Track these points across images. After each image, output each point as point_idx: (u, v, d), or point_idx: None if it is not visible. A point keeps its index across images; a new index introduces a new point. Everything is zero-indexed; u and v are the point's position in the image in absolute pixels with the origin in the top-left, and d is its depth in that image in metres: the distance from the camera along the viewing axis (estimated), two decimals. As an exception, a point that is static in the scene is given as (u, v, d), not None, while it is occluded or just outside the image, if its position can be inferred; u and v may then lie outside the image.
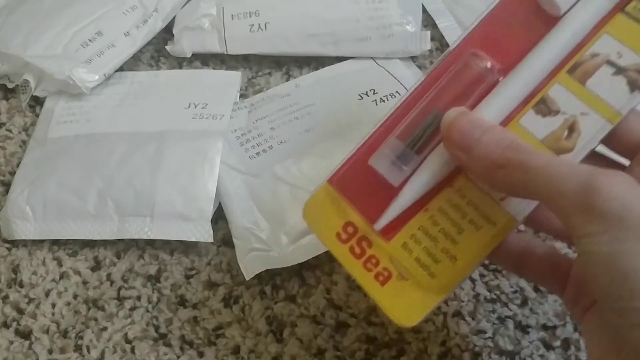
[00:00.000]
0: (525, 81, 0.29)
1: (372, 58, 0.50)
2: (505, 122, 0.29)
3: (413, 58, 0.51)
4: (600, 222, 0.22)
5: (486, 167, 0.26)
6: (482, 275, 0.40)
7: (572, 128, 0.28)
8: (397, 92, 0.47)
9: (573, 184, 0.23)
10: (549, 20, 0.29)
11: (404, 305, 0.29)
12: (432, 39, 0.51)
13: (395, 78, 0.48)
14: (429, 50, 0.50)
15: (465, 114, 0.28)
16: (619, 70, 0.28)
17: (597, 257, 0.23)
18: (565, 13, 0.29)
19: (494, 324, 0.38)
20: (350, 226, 0.31)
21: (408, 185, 0.29)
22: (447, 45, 0.51)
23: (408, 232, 0.30)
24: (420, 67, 0.50)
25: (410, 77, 0.49)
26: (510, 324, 0.38)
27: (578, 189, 0.23)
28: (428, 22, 0.53)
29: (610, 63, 0.28)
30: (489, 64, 0.29)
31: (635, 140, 0.28)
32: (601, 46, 0.28)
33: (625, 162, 0.29)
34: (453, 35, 0.52)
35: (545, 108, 0.28)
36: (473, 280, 0.39)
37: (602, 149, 0.30)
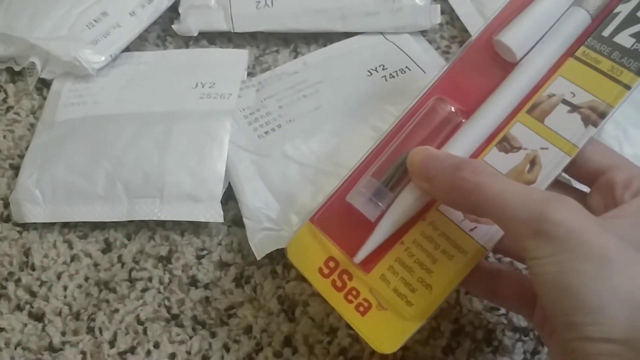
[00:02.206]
0: (487, 121, 0.31)
1: (381, 33, 0.49)
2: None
3: (423, 32, 0.50)
4: (548, 246, 0.24)
5: (445, 192, 0.28)
6: (494, 252, 0.39)
7: (533, 162, 0.30)
8: (407, 67, 0.46)
9: (526, 211, 0.25)
10: (507, 66, 0.32)
11: (384, 334, 0.31)
12: (442, 12, 0.50)
13: (405, 53, 0.47)
14: (439, 24, 0.50)
15: (427, 149, 0.30)
16: (574, 108, 0.30)
17: (546, 277, 0.24)
18: (521, 59, 0.32)
19: (507, 300, 0.38)
20: (331, 261, 0.33)
21: (384, 220, 0.31)
22: (457, 19, 0.50)
23: (386, 264, 0.32)
24: (430, 42, 0.49)
25: (421, 52, 0.48)
26: (524, 300, 0.38)
27: (529, 215, 0.25)
28: (438, -6, 0.52)
29: (565, 102, 0.30)
30: (452, 108, 0.32)
31: (593, 169, 0.30)
32: (556, 87, 0.31)
33: (586, 189, 0.32)
34: (462, 8, 0.51)
35: (507, 145, 0.31)
36: (486, 257, 0.39)
37: (565, 178, 0.32)
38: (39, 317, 0.40)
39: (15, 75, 0.50)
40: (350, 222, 0.33)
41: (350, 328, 0.33)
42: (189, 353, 0.38)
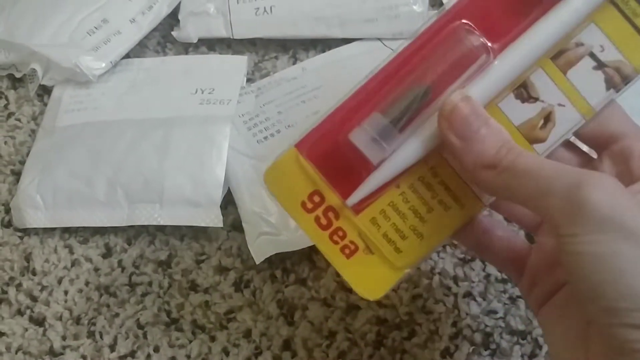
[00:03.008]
0: (515, 66, 0.28)
1: (379, 39, 0.50)
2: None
3: (420, 38, 0.50)
4: (588, 223, 0.23)
5: (477, 163, 0.26)
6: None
7: (548, 118, 0.28)
8: (404, 73, 0.46)
9: (561, 184, 0.23)
10: (543, 2, 0.28)
11: (369, 279, 0.30)
12: (439, 19, 0.50)
13: (402, 59, 0.48)
14: (436, 30, 0.50)
15: (469, 100, 0.27)
16: (599, 65, 0.28)
17: (584, 258, 0.23)
18: None
19: (505, 304, 0.38)
20: (316, 195, 0.30)
21: (386, 164, 0.29)
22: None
23: (378, 207, 0.29)
24: (427, 48, 0.49)
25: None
26: (522, 303, 0.38)
27: (566, 189, 0.23)
28: (435, 1, 0.52)
29: (592, 56, 0.28)
30: (481, 41, 0.28)
31: (607, 134, 0.28)
32: (587, 36, 0.28)
33: (592, 154, 0.30)
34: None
35: (525, 93, 0.28)
36: (483, 261, 0.39)
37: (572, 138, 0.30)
38: (39, 321, 0.40)
39: (16, 81, 0.51)
40: (344, 158, 0.29)
41: (342, 285, 0.32)
42: (188, 357, 0.38)
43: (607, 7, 0.28)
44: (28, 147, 0.47)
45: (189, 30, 0.50)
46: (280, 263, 0.40)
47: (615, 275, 0.22)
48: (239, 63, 0.49)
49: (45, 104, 0.49)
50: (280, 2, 0.49)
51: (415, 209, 0.29)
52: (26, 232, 0.43)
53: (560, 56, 0.28)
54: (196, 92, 0.46)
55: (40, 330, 0.39)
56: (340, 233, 0.30)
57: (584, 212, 0.23)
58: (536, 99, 0.28)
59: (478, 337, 0.37)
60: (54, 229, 0.43)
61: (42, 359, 0.38)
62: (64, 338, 0.39)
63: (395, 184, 0.29)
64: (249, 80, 0.49)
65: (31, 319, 0.40)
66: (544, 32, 0.28)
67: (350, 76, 0.46)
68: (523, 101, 0.28)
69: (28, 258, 0.42)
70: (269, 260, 0.40)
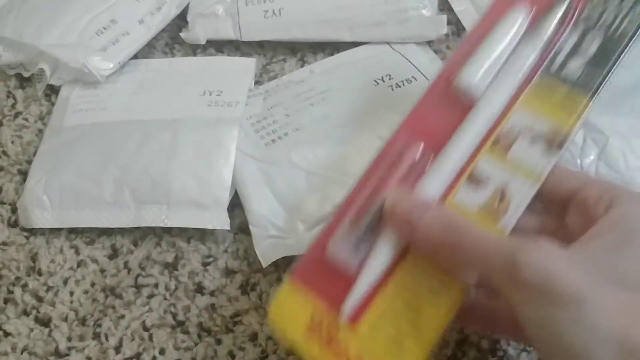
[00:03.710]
0: (454, 160, 0.31)
1: (387, 43, 0.50)
2: (441, 201, 0.31)
3: (429, 42, 0.50)
4: (526, 292, 0.25)
5: (427, 246, 0.29)
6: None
7: (502, 194, 0.30)
8: (413, 77, 0.46)
9: (499, 259, 0.25)
10: (467, 104, 0.32)
11: None
12: (448, 23, 0.50)
13: (411, 63, 0.48)
14: (445, 34, 0.50)
15: (404, 194, 0.30)
16: (534, 138, 0.31)
17: (529, 323, 0.25)
18: (481, 96, 0.32)
19: (512, 310, 0.38)
20: (317, 316, 0.31)
21: (365, 269, 0.30)
22: (464, 29, 0.51)
23: (373, 314, 0.30)
24: (436, 52, 0.49)
25: (427, 62, 0.48)
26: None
27: (504, 263, 0.25)
28: (444, 5, 0.52)
29: (525, 133, 0.31)
30: (420, 148, 0.32)
31: (565, 193, 0.30)
32: (515, 120, 0.32)
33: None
34: (469, 18, 0.51)
35: (475, 180, 0.31)
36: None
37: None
38: (45, 322, 0.40)
39: (24, 81, 0.51)
40: (332, 275, 0.31)
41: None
42: (194, 360, 0.38)
43: (526, 93, 0.32)
44: (35, 146, 0.47)
45: (198, 31, 0.50)
46: (287, 266, 0.40)
47: (556, 336, 0.24)
48: (247, 65, 0.49)
49: (53, 104, 0.49)
50: (289, 5, 0.49)
51: (408, 304, 0.30)
52: (32, 232, 0.43)
53: (497, 142, 0.31)
54: (204, 93, 0.46)
55: (46, 330, 0.39)
56: (342, 345, 0.30)
57: (521, 282, 0.24)
58: (487, 182, 0.31)
59: (485, 344, 0.37)
60: (60, 230, 0.43)
61: (47, 359, 0.38)
62: (69, 339, 0.39)
63: (383, 286, 0.30)
64: (257, 82, 0.49)
65: (37, 320, 0.40)
66: (471, 125, 0.32)
67: (359, 79, 0.47)
68: (476, 187, 0.31)
69: (34, 258, 0.42)
70: (275, 264, 0.40)
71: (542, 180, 0.30)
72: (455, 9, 0.52)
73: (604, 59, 0.32)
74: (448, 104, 0.33)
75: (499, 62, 0.33)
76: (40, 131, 0.48)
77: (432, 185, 0.31)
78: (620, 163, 0.42)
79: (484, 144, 0.31)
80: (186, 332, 0.39)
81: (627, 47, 0.32)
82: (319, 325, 0.31)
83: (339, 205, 0.33)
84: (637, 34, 0.32)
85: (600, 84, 0.31)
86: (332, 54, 0.50)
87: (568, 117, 0.31)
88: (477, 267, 0.27)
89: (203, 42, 0.50)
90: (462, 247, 0.27)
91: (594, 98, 0.31)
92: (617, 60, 0.31)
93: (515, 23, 0.33)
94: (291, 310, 0.32)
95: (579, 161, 0.43)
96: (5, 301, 0.40)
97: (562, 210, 0.31)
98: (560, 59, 0.32)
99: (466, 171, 0.31)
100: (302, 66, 0.50)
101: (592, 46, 0.32)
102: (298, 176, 0.42)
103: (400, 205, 0.30)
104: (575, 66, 0.32)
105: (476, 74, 0.33)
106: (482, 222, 0.30)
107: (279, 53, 0.51)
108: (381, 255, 0.31)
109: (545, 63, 0.33)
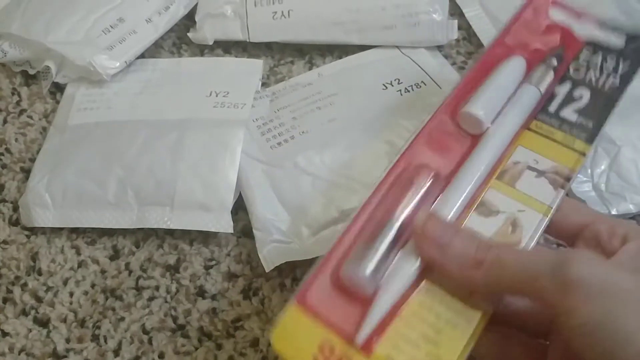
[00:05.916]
0: (462, 190, 0.31)
1: (397, 47, 0.49)
2: None
3: (439, 47, 0.49)
4: (579, 296, 0.24)
5: (462, 266, 0.28)
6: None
7: (515, 224, 0.31)
8: (422, 82, 0.46)
9: (546, 266, 0.25)
10: (470, 137, 0.33)
11: None
12: (459, 28, 0.49)
13: (420, 68, 0.47)
14: (455, 39, 0.49)
15: (435, 216, 0.30)
16: (540, 173, 0.32)
17: (586, 329, 0.24)
18: (486, 130, 0.33)
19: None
20: (327, 345, 0.29)
21: (381, 293, 0.29)
22: (474, 35, 0.50)
23: (388, 343, 0.29)
24: (446, 57, 0.49)
25: (436, 67, 0.47)
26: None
27: (552, 269, 0.25)
28: (455, 10, 0.52)
29: (530, 168, 0.32)
30: (431, 176, 0.32)
31: (575, 226, 0.31)
32: (519, 156, 0.33)
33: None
34: (479, 24, 0.50)
35: (485, 210, 0.31)
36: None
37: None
38: (43, 322, 0.39)
39: (29, 78, 0.50)
40: (343, 298, 0.29)
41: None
42: (194, 364, 0.37)
43: (527, 133, 0.33)
44: (39, 144, 0.46)
45: (205, 31, 0.50)
46: (290, 272, 0.39)
47: (623, 335, 0.23)
48: (255, 67, 0.48)
49: (58, 102, 0.48)
50: (298, 7, 0.49)
51: (425, 335, 0.29)
52: (33, 231, 0.43)
53: (504, 175, 0.32)
54: (210, 94, 0.46)
55: (44, 331, 0.39)
56: None
57: (573, 286, 0.24)
58: (497, 212, 0.31)
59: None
60: (61, 229, 0.42)
61: (45, 361, 0.38)
62: (67, 340, 0.38)
63: (397, 315, 0.29)
64: (264, 84, 0.48)
65: (35, 320, 0.39)
66: (479, 157, 0.32)
67: (367, 83, 0.46)
68: (487, 216, 0.31)
69: (34, 257, 0.41)
70: (278, 269, 0.39)
71: (552, 212, 0.31)
72: (467, 14, 0.51)
73: (595, 111, 0.33)
74: (454, 133, 0.33)
75: (503, 100, 0.34)
76: (45, 129, 0.47)
77: (444, 213, 0.31)
78: (632, 173, 0.41)
79: (491, 176, 0.32)
80: (186, 336, 0.38)
81: (617, 102, 0.34)
82: (330, 353, 0.29)
83: (345, 229, 0.31)
84: (624, 93, 0.34)
85: (596, 132, 0.33)
86: (340, 57, 0.49)
87: (569, 157, 0.32)
88: (522, 280, 0.26)
89: (210, 43, 0.50)
90: (503, 261, 0.27)
91: (592, 142, 0.33)
92: (608, 114, 0.33)
93: (516, 68, 0.35)
94: (298, 336, 0.29)
95: (589, 171, 0.42)
96: (4, 301, 0.40)
97: (569, 243, 0.31)
98: (555, 106, 0.34)
99: (476, 201, 0.31)
100: (310, 69, 0.49)
101: (583, 98, 0.34)
102: (304, 180, 0.41)
103: (432, 225, 0.29)
104: (570, 114, 0.34)
105: (487, 106, 0.33)
106: None
107: (286, 55, 0.50)
108: (400, 280, 0.29)
109: (542, 107, 0.34)
